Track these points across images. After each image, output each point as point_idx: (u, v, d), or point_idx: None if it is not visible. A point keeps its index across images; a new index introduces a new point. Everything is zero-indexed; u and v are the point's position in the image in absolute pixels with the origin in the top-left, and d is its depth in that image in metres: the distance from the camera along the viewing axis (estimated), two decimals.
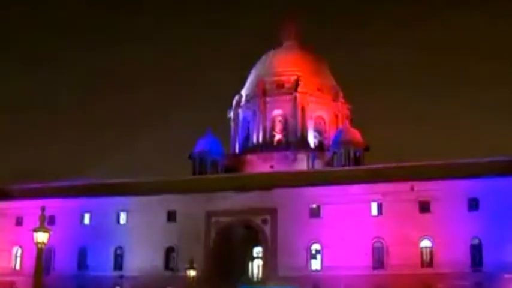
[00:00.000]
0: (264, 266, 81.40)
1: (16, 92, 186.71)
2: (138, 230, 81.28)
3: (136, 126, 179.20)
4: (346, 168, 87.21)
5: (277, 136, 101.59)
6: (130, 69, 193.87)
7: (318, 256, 76.40)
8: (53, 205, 77.41)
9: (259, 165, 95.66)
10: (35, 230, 28.64)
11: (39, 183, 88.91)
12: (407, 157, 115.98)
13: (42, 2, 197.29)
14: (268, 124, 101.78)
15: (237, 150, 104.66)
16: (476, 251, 71.04)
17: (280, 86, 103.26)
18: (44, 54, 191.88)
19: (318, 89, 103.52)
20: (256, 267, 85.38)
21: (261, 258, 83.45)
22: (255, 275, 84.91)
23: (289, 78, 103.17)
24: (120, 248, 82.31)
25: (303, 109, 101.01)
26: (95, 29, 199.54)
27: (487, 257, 70.00)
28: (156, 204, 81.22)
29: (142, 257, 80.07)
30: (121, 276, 79.17)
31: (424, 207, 73.31)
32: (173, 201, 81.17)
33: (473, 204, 71.85)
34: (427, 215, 73.00)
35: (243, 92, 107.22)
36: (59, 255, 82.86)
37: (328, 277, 73.57)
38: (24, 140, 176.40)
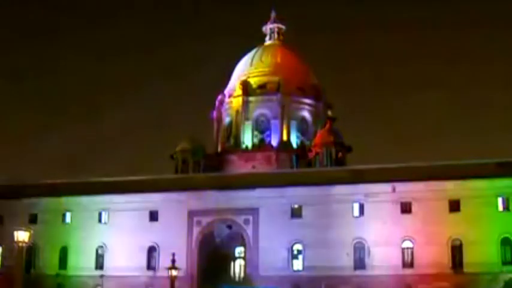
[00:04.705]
0: (246, 266, 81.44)
1: None
2: (120, 229, 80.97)
3: (119, 125, 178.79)
4: (328, 168, 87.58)
5: (260, 136, 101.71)
6: (114, 69, 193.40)
7: (300, 256, 76.51)
8: (35, 204, 77.27)
9: (242, 165, 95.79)
10: (16, 229, 28.48)
11: (21, 182, 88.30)
12: (389, 158, 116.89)
13: None
14: (251, 124, 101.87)
15: (219, 150, 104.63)
16: (456, 252, 71.46)
17: (262, 86, 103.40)
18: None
19: (301, 90, 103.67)
20: (238, 267, 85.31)
21: (243, 258, 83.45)
22: (237, 275, 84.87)
23: (272, 78, 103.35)
24: (102, 247, 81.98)
25: (285, 109, 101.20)
26: (82, 34, 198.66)
27: (468, 258, 70.39)
28: (138, 204, 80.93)
29: (124, 257, 79.74)
30: (102, 276, 78.82)
31: (406, 208, 73.60)
32: (155, 200, 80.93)
33: (454, 206, 72.28)
34: (408, 216, 73.30)
35: (226, 92, 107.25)
36: (40, 254, 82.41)
37: (310, 277, 73.70)
38: (6, 139, 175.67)
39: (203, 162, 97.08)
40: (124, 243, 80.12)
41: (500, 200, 71.64)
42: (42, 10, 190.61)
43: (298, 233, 76.10)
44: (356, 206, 75.46)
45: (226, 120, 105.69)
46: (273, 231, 76.64)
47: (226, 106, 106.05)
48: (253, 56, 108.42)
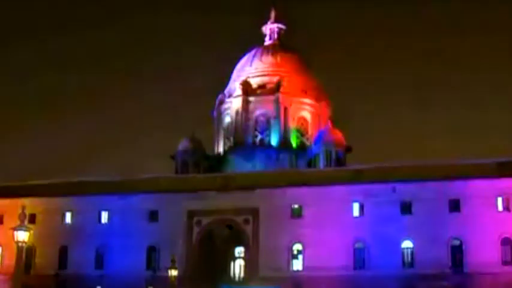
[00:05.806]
0: (246, 266, 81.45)
1: None
2: (119, 229, 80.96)
3: (119, 126, 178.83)
4: (328, 168, 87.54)
5: (260, 136, 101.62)
6: (114, 69, 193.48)
7: (300, 256, 76.47)
8: (34, 204, 77.18)
9: (242, 165, 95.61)
10: (16, 229, 28.38)
11: (20, 181, 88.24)
12: (389, 158, 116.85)
13: None
14: (251, 124, 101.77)
15: (219, 150, 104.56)
16: (457, 251, 71.46)
17: (263, 86, 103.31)
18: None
19: (301, 90, 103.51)
20: (238, 267, 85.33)
21: (243, 258, 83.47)
22: (237, 275, 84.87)
23: (272, 79, 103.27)
24: (102, 247, 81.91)
25: (285, 109, 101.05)
26: (84, 34, 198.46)
27: (468, 258, 70.43)
28: (138, 204, 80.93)
29: (123, 257, 79.72)
30: (102, 276, 78.79)
31: (406, 208, 73.62)
32: (155, 200, 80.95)
33: (454, 206, 72.28)
34: (408, 216, 73.31)
35: (226, 92, 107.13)
36: (40, 254, 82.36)
37: (310, 277, 73.67)
38: (4, 138, 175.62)
39: (203, 163, 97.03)
40: (124, 243, 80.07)
41: (500, 200, 71.66)
42: (42, 9, 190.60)
43: (298, 233, 76.08)
44: (356, 206, 75.48)
45: (226, 120, 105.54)
46: (273, 231, 76.58)
47: (226, 106, 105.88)
48: (253, 56, 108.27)
